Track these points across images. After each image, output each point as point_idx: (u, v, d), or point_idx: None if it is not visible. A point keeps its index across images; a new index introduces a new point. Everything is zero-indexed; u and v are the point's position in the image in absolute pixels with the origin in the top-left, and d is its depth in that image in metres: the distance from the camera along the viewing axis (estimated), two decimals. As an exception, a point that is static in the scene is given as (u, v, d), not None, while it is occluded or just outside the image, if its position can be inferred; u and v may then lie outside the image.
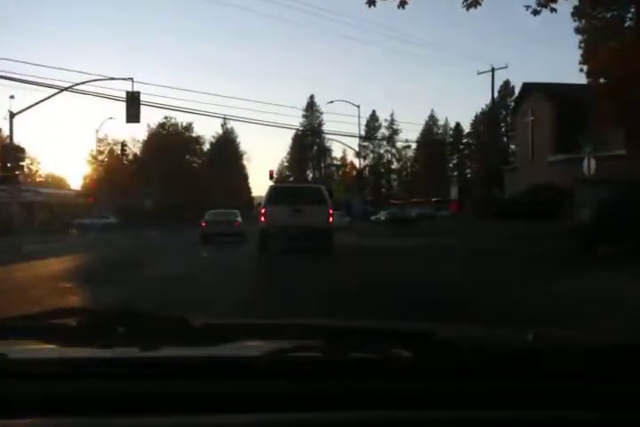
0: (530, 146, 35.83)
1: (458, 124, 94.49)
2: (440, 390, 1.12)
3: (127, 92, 24.53)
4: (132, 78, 24.86)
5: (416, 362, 1.25)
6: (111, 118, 42.74)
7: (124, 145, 42.13)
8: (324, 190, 18.67)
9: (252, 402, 1.04)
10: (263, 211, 17.45)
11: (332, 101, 39.29)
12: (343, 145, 42.79)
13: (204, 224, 24.67)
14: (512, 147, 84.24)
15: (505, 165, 70.81)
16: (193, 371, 1.14)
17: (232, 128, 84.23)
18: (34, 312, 1.73)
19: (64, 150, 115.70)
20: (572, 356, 1.29)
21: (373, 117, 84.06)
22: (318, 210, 17.05)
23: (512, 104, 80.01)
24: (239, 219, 25.47)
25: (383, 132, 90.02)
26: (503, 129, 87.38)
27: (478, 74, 45.71)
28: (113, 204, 54.91)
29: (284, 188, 20.65)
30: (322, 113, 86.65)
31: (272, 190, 18.27)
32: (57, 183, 78.38)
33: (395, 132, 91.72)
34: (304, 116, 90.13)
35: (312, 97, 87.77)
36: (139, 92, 24.67)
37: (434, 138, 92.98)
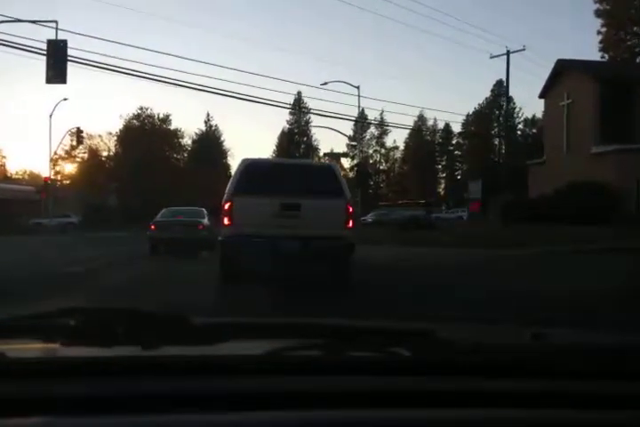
0: (564, 135, 28.20)
1: (447, 125, 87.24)
2: (440, 390, 1.06)
3: (49, 42, 16.47)
4: (56, 22, 16.80)
5: (416, 361, 1.20)
6: (65, 99, 34.46)
7: (79, 131, 33.86)
8: (338, 172, 9.88)
9: (252, 401, 0.99)
10: (227, 206, 8.88)
11: (326, 82, 31.35)
12: (332, 143, 35.24)
13: (153, 227, 16.62)
14: (503, 148, 78.44)
15: (499, 166, 63.79)
16: (193, 370, 1.08)
17: (216, 125, 77.28)
18: (34, 312, 1.51)
19: (19, 138, 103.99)
20: (573, 356, 1.24)
21: (362, 116, 77.06)
22: (329, 207, 8.89)
23: (504, 98, 75.25)
24: (205, 220, 17.40)
25: (372, 131, 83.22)
26: (495, 131, 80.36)
27: (491, 58, 38.23)
28: (80, 201, 47.87)
29: (268, 165, 10.51)
30: (309, 110, 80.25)
31: (245, 169, 9.26)
32: (34, 180, 71.04)
33: (384, 131, 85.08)
34: (291, 113, 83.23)
35: (299, 93, 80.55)
36: (65, 42, 16.61)
37: (422, 139, 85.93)
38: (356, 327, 1.64)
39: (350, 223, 9.05)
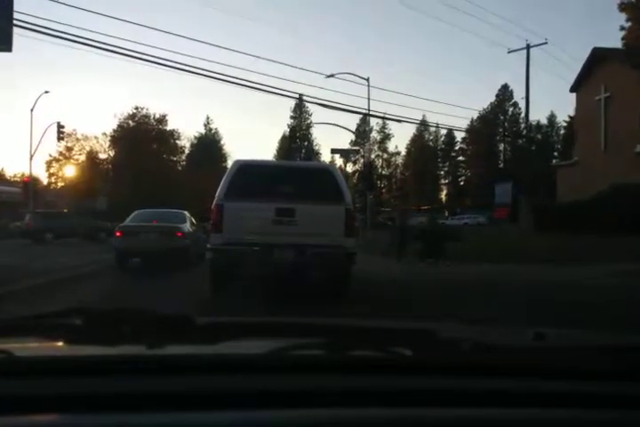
0: (602, 133, 24.28)
1: (450, 131, 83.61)
2: (440, 389, 1.03)
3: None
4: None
5: (417, 360, 1.17)
6: (47, 92, 30.55)
7: (60, 126, 29.91)
8: (338, 174, 8.83)
9: (254, 399, 0.96)
10: (217, 211, 8.03)
11: (332, 75, 27.45)
12: (333, 151, 31.16)
13: (119, 234, 12.65)
14: (506, 154, 74.70)
15: (499, 173, 59.71)
16: (196, 369, 1.04)
17: (216, 129, 73.65)
18: (38, 312, 1.50)
19: (17, 141, 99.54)
20: (572, 355, 1.22)
21: (365, 121, 73.43)
22: (327, 213, 8.08)
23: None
24: (187, 226, 13.42)
25: (374, 136, 79.61)
26: (499, 137, 76.55)
27: (509, 52, 34.42)
28: (71, 204, 44.30)
29: (262, 167, 9.17)
30: (310, 114, 76.79)
31: (237, 171, 8.36)
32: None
33: (386, 136, 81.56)
34: (292, 118, 79.75)
35: (300, 97, 77.06)
36: (11, 1, 12.69)
37: (425, 144, 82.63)
38: (356, 327, 1.60)
39: (351, 231, 8.20)
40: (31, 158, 31.62)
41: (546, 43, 33.49)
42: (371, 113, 29.14)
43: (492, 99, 77.34)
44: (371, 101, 26.23)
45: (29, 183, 32.27)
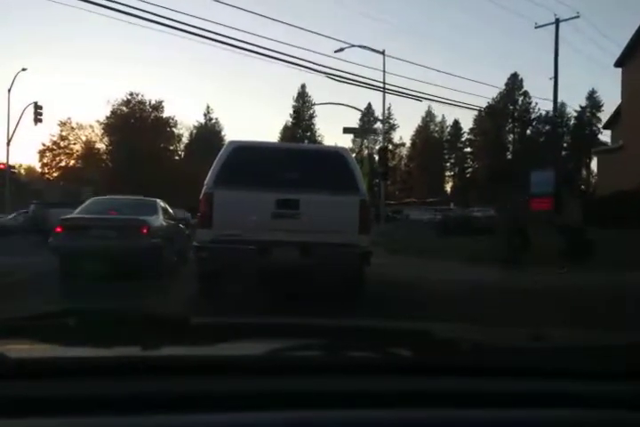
0: (654, 112, 20.59)
1: (456, 122, 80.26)
2: (440, 389, 1.01)
3: None
4: None
5: (416, 361, 1.15)
6: (24, 70, 26.96)
7: (37, 107, 26.28)
8: (351, 159, 7.19)
9: (252, 401, 0.94)
10: (205, 201, 6.62)
11: (342, 49, 23.72)
12: (346, 130, 27.50)
13: (60, 229, 9.04)
14: (510, 150, 70.65)
15: (509, 166, 56.17)
16: (193, 370, 1.02)
17: (217, 119, 70.14)
18: (35, 313, 1.49)
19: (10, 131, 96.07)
20: (573, 355, 1.20)
21: (369, 111, 69.69)
22: (338, 205, 6.64)
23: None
24: (157, 219, 9.74)
25: (379, 126, 76.03)
26: (510, 126, 72.75)
27: (536, 27, 30.82)
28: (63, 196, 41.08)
29: (260, 150, 7.40)
30: (314, 104, 73.22)
31: (231, 154, 6.85)
32: (29, 174, 65.08)
33: (392, 126, 77.79)
34: (294, 107, 76.13)
35: (303, 86, 73.84)
36: None
37: (430, 135, 79.41)
38: (356, 327, 1.57)
39: (366, 227, 6.92)
40: (8, 143, 28.04)
41: (578, 16, 29.85)
42: (386, 89, 25.29)
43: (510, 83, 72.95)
44: (386, 77, 22.50)
45: (7, 171, 28.66)
